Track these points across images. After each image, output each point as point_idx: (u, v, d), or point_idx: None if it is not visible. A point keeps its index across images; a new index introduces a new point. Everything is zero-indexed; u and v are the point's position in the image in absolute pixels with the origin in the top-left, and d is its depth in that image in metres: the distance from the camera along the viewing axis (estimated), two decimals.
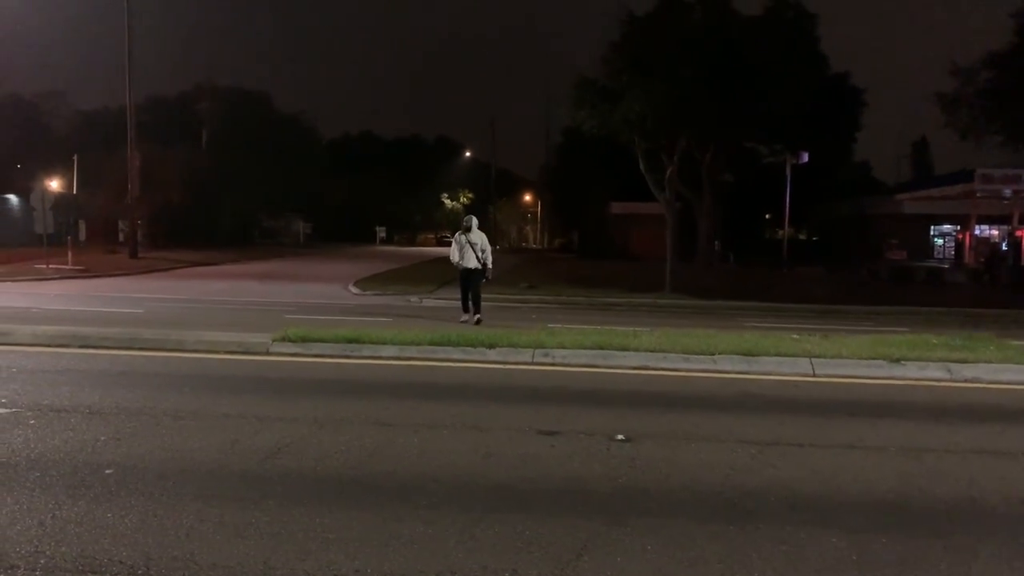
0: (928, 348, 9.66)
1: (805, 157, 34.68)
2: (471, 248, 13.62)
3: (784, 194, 36.27)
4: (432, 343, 9.55)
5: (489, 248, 13.97)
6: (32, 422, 6.00)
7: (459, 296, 14.17)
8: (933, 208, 40.40)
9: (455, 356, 9.24)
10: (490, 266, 13.89)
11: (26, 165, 45.45)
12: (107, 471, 4.94)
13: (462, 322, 13.30)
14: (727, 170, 38.28)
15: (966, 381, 8.59)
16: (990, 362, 8.97)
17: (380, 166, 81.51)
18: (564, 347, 9.30)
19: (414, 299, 19.80)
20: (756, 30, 25.91)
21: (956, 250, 40.91)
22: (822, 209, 48.58)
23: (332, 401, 7.15)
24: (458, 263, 13.74)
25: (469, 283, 13.73)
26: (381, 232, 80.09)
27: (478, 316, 13.50)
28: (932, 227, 41.71)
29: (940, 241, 42.11)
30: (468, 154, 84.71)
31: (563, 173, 56.46)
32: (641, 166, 26.35)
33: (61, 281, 22.73)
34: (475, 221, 14.00)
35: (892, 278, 31.79)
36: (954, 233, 41.42)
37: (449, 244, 15.05)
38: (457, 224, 14.05)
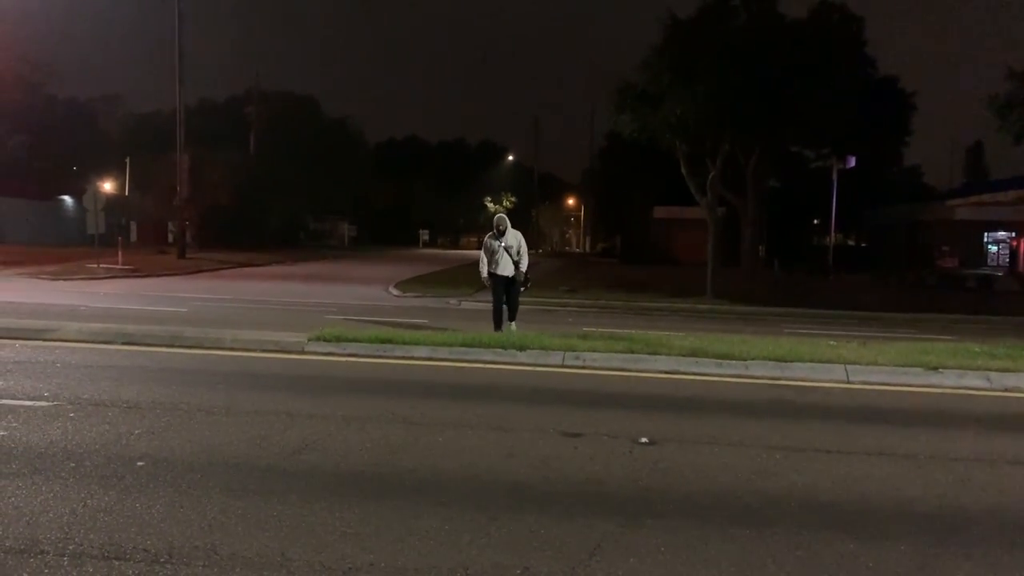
0: (968, 356, 9.46)
1: (852, 162, 34.07)
2: (506, 253, 11.69)
3: (831, 199, 35.68)
4: (463, 344, 9.63)
5: (526, 251, 11.97)
6: (71, 415, 6.21)
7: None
8: (986, 214, 39.39)
9: (486, 358, 9.30)
10: (526, 271, 11.96)
11: (81, 167, 46.76)
12: (139, 463, 5.09)
13: None
14: (772, 174, 37.79)
15: (1006, 390, 8.39)
16: None
17: (424, 170, 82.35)
18: (595, 351, 9.31)
19: (453, 301, 19.97)
20: (801, 33, 25.62)
21: (1011, 257, 39.83)
22: (871, 215, 47.70)
23: (361, 399, 7.28)
24: (490, 272, 11.82)
25: (505, 293, 11.84)
26: (424, 235, 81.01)
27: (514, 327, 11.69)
28: (986, 234, 40.69)
29: (994, 248, 41.05)
30: (511, 158, 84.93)
31: (606, 177, 56.36)
32: (683, 170, 26.15)
33: (111, 280, 23.32)
34: (508, 221, 12.01)
35: (941, 285, 31.08)
36: (1008, 240, 40.34)
37: None
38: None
